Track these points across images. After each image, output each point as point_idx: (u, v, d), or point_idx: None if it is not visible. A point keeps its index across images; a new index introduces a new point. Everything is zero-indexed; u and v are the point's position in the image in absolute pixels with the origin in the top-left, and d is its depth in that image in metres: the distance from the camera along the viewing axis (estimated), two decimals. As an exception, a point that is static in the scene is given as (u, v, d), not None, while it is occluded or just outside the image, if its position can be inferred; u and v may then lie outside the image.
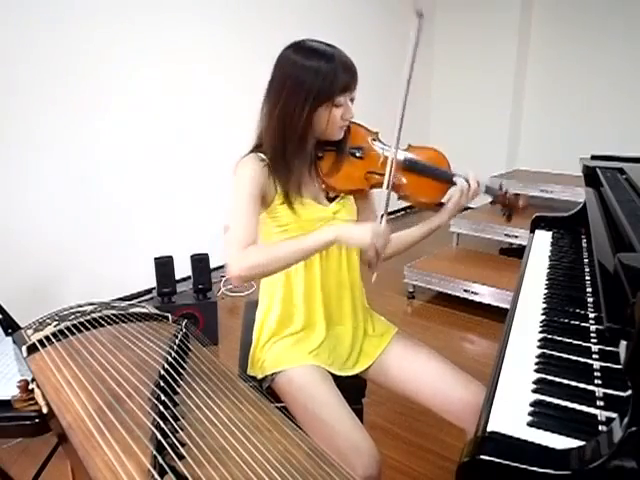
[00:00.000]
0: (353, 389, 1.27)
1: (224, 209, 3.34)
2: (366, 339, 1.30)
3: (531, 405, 0.75)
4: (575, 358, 0.86)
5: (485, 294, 2.83)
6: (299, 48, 1.14)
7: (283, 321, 1.24)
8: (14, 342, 1.05)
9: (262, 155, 1.17)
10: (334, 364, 1.22)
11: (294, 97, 1.11)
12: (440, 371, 1.20)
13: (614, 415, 0.68)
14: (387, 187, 1.16)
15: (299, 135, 1.14)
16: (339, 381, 1.21)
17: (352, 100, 1.17)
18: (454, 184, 1.24)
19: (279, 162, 1.16)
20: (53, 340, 0.98)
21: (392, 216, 1.29)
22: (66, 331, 1.01)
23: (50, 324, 1.09)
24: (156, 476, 0.61)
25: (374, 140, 1.27)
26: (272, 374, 1.19)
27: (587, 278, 1.20)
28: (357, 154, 1.25)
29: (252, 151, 1.20)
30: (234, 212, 1.13)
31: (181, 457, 0.65)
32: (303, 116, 1.12)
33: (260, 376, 1.21)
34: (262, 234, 1.22)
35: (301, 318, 1.23)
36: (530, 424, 0.71)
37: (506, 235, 3.30)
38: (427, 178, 1.25)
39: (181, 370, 0.88)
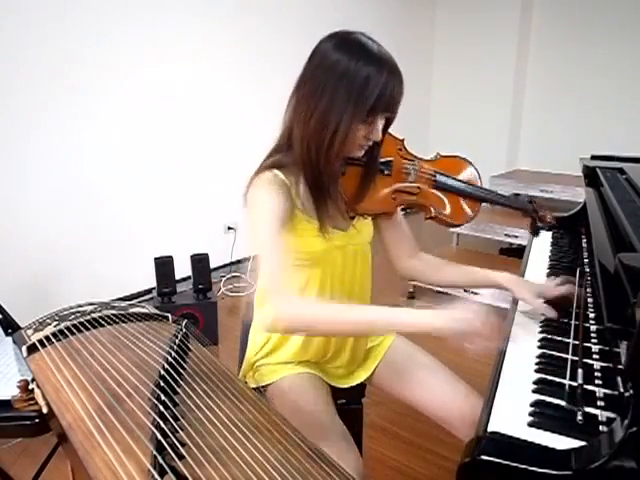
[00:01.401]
0: (353, 389, 1.27)
1: (224, 209, 3.33)
2: (365, 353, 1.26)
3: (531, 405, 0.75)
4: (575, 358, 0.86)
5: (485, 294, 2.82)
6: (343, 42, 0.97)
7: (283, 345, 1.17)
8: (14, 342, 1.05)
9: (278, 172, 1.02)
10: (328, 376, 1.21)
11: (335, 104, 0.95)
12: (438, 380, 1.17)
13: (614, 415, 0.68)
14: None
15: (336, 149, 0.98)
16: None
17: (388, 120, 1.03)
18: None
19: (314, 178, 1.02)
20: (53, 340, 0.98)
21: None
22: (66, 331, 1.01)
23: (50, 324, 1.09)
24: (156, 476, 0.60)
25: (400, 150, 1.16)
26: (264, 386, 1.17)
27: (587, 278, 1.19)
28: (385, 171, 1.12)
29: (268, 165, 1.04)
30: (264, 245, 0.95)
31: (181, 457, 0.65)
32: (342, 128, 0.96)
33: (253, 386, 1.19)
34: None
35: (300, 345, 1.15)
36: (530, 424, 0.71)
37: (506, 235, 3.30)
38: (459, 197, 1.17)
39: (181, 370, 0.88)
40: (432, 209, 1.16)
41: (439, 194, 1.16)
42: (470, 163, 1.21)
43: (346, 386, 1.23)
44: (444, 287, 1.19)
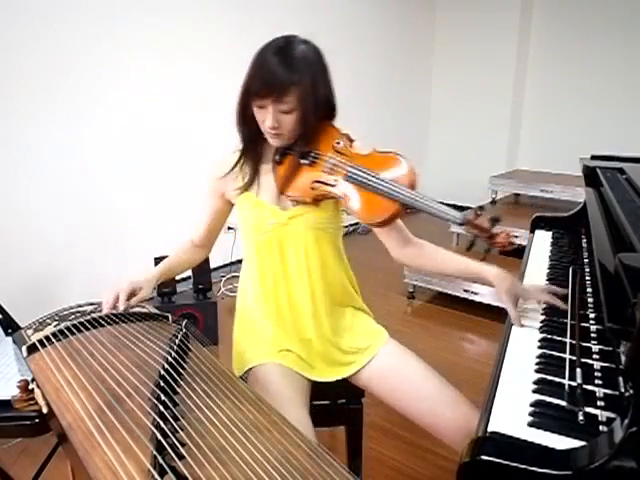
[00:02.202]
0: (352, 389, 1.27)
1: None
2: (349, 352, 1.24)
3: (531, 405, 0.75)
4: (575, 358, 0.86)
5: (485, 294, 2.83)
6: (278, 38, 1.10)
7: (256, 328, 1.25)
8: (14, 342, 1.05)
9: (239, 152, 1.21)
10: (308, 368, 1.20)
11: (242, 86, 1.11)
12: (427, 388, 1.14)
13: (614, 415, 0.68)
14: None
15: (246, 129, 1.15)
16: (338, 380, 1.22)
17: (290, 113, 1.06)
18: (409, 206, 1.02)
19: (245, 154, 1.20)
20: (53, 340, 0.98)
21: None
22: (66, 331, 1.01)
23: (50, 324, 1.09)
24: (156, 476, 0.60)
25: (338, 144, 1.13)
26: (245, 372, 1.19)
27: (587, 278, 1.20)
28: (305, 160, 1.13)
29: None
30: (202, 205, 1.34)
31: (181, 457, 0.65)
32: (240, 109, 1.13)
33: (239, 374, 1.21)
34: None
35: (268, 323, 1.23)
36: (530, 424, 0.71)
37: (506, 235, 3.29)
38: (370, 194, 1.06)
39: (181, 370, 0.88)
40: (344, 202, 1.11)
41: (351, 188, 1.08)
42: (403, 162, 1.07)
43: (323, 379, 1.21)
44: (438, 275, 1.20)
